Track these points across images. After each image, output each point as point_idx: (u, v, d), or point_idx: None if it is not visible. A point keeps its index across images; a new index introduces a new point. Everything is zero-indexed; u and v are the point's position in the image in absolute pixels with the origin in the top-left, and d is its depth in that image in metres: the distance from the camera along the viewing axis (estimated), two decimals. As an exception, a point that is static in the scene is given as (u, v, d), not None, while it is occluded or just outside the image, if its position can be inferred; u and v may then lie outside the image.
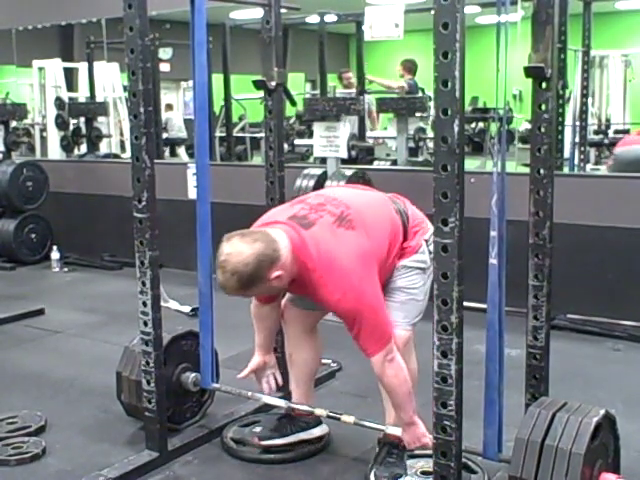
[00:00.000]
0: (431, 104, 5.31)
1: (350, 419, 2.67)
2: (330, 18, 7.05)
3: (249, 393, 3.00)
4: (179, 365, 3.03)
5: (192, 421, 3.10)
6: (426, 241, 2.58)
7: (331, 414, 2.73)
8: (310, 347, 2.85)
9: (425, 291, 2.60)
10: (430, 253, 2.58)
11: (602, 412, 2.17)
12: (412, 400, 2.47)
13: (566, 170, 6.01)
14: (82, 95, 8.43)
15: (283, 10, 3.23)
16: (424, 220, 2.64)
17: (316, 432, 2.91)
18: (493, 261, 2.13)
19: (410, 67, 7.29)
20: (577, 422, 2.11)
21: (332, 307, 2.40)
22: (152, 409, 2.76)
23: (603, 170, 6.65)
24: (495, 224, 2.11)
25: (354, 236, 2.42)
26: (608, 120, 8.06)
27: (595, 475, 2.14)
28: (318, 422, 2.92)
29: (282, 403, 2.89)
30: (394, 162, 6.34)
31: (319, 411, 2.76)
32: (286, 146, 6.87)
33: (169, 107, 10.64)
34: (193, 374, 3.02)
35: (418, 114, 6.27)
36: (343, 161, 4.87)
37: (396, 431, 2.56)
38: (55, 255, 6.24)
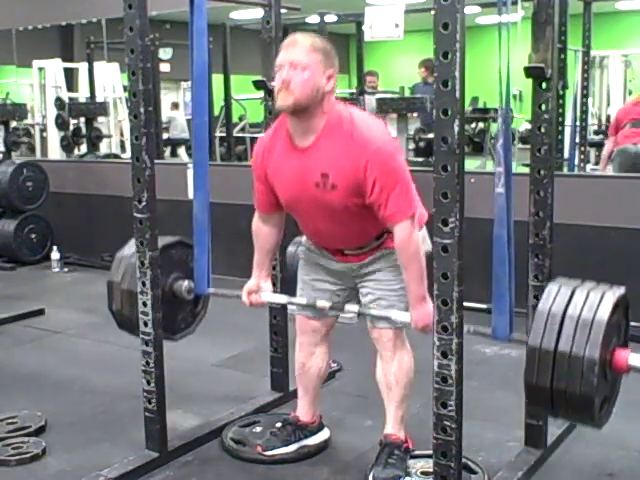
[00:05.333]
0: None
1: (354, 308, 2.58)
2: (330, 18, 7.04)
3: None
4: (171, 275, 2.94)
5: (186, 332, 3.04)
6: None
7: (334, 306, 2.62)
8: (323, 355, 2.82)
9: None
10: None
11: (622, 289, 2.17)
12: (425, 277, 2.39)
13: (566, 170, 6.01)
14: (82, 95, 8.44)
15: (283, 10, 3.23)
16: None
17: (319, 438, 2.90)
18: (500, 190, 2.17)
19: (432, 67, 7.30)
20: (598, 295, 2.11)
21: (368, 159, 2.32)
22: (152, 409, 2.76)
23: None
24: (501, 161, 2.15)
25: None
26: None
27: (610, 351, 2.12)
28: (321, 427, 2.92)
29: (283, 300, 2.80)
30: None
31: (320, 303, 2.62)
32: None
33: (175, 106, 10.59)
34: (186, 282, 2.93)
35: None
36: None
37: (403, 316, 2.46)
38: (55, 255, 6.24)
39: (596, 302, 2.09)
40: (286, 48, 2.40)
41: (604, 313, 2.05)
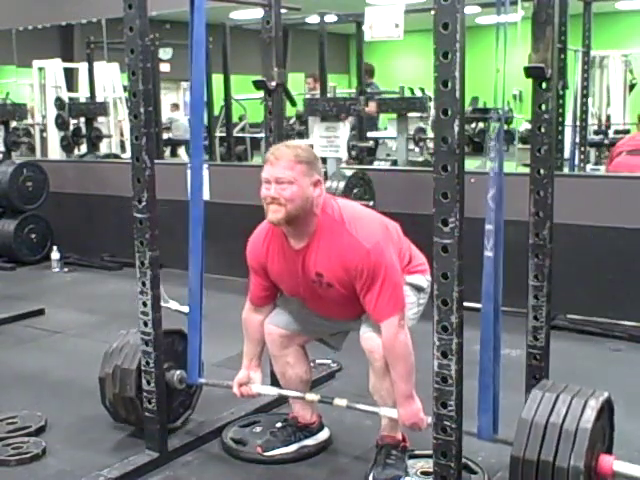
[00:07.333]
0: (431, 104, 5.31)
1: (342, 402, 2.66)
2: (330, 18, 7.03)
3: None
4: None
5: (187, 414, 3.08)
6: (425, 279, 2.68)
7: (323, 399, 2.72)
8: (300, 362, 2.82)
9: (415, 311, 2.65)
10: (428, 283, 2.65)
11: (605, 395, 2.18)
12: (413, 374, 2.48)
13: (566, 170, 6.02)
14: (82, 95, 8.43)
15: (283, 10, 3.23)
16: (425, 263, 2.67)
17: (319, 438, 2.90)
18: (488, 254, 2.14)
19: (371, 70, 7.55)
20: (581, 403, 2.11)
21: (358, 261, 2.40)
22: (152, 409, 2.76)
23: (603, 170, 6.65)
24: (491, 218, 2.12)
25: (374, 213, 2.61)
26: (608, 120, 8.07)
27: (595, 456, 2.14)
28: (321, 427, 2.92)
29: (274, 392, 2.86)
30: (394, 162, 6.34)
31: (310, 396, 2.75)
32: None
33: (175, 107, 10.59)
34: (178, 372, 2.94)
35: (418, 114, 6.27)
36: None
37: (390, 413, 2.53)
38: (55, 255, 6.24)
39: (579, 410, 2.09)
40: (271, 163, 2.43)
41: (587, 422, 2.06)
